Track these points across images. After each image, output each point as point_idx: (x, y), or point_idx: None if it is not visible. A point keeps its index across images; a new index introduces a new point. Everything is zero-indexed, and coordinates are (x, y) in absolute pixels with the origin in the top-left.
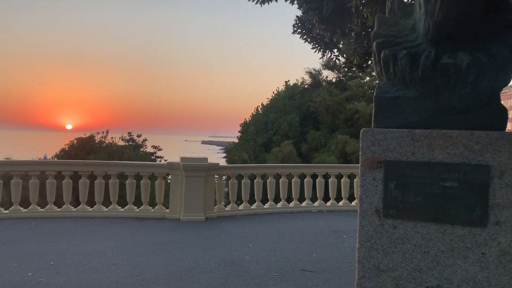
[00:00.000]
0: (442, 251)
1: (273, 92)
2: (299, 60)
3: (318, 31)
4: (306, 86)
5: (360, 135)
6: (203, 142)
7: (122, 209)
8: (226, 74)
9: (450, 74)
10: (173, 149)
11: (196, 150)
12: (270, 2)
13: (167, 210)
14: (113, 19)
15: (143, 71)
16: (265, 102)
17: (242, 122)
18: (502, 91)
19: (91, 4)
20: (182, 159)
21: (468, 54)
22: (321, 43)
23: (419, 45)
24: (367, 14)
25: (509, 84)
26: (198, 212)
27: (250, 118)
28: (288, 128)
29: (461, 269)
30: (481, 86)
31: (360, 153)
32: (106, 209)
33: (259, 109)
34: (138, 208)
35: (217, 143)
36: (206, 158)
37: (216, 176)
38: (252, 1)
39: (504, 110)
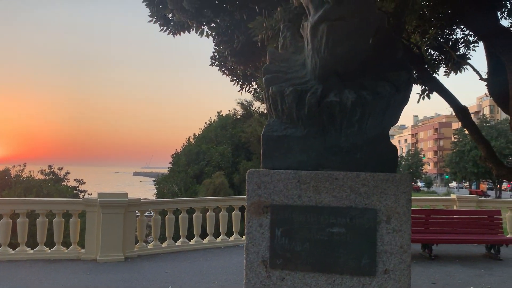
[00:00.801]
0: None
1: (206, 123)
2: (233, 91)
3: (231, 64)
4: (238, 117)
5: (246, 177)
6: (135, 174)
7: (32, 251)
8: (160, 103)
9: (335, 113)
10: (102, 182)
11: (127, 182)
12: (183, 33)
13: (83, 250)
14: (27, 33)
15: (71, 98)
16: (198, 132)
17: (174, 153)
18: (425, 121)
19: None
20: (99, 194)
21: (353, 92)
22: (240, 75)
23: (307, 81)
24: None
25: (429, 116)
26: (117, 252)
27: (181, 149)
28: (220, 158)
29: None
30: (367, 124)
31: (246, 197)
32: (13, 252)
33: (191, 140)
34: (50, 249)
35: (150, 174)
36: (126, 193)
37: (137, 212)
38: (165, 31)
39: (393, 149)
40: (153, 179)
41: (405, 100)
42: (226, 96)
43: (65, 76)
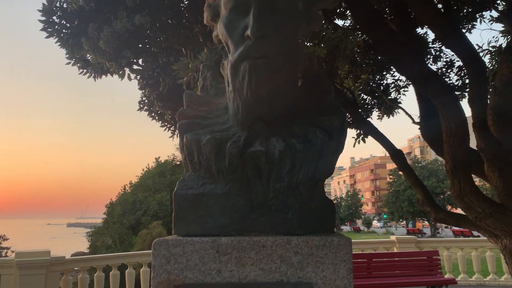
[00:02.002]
0: None
1: (143, 169)
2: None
3: (157, 109)
4: (177, 163)
5: (152, 250)
6: (69, 225)
7: None
8: (96, 150)
9: (261, 165)
10: (31, 236)
11: (60, 234)
12: (105, 76)
13: None
14: None
15: None
16: (134, 180)
17: (108, 202)
18: (361, 162)
19: None
20: (17, 254)
21: (281, 140)
22: (171, 121)
23: (229, 128)
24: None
25: (364, 157)
26: None
27: (117, 198)
28: (158, 207)
29: None
30: (299, 177)
31: (151, 275)
32: None
33: (127, 188)
34: None
35: (86, 225)
36: (48, 251)
37: (61, 272)
38: (84, 74)
39: (329, 204)
40: (88, 230)
41: (339, 147)
42: (165, 141)
43: None
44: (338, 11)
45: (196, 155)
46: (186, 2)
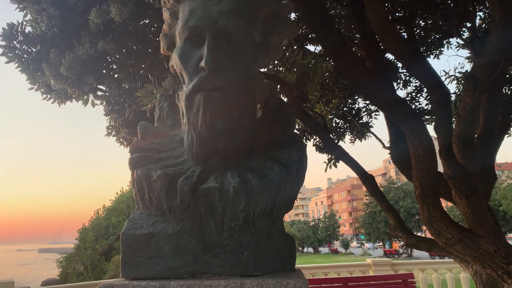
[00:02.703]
0: None
1: (117, 193)
2: None
3: (124, 135)
4: None
5: None
6: (41, 251)
7: None
8: (68, 173)
9: (215, 202)
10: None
11: (30, 260)
12: (69, 101)
13: None
14: None
15: None
16: (108, 204)
17: (80, 228)
18: (338, 183)
19: None
20: None
21: (236, 176)
22: None
23: (184, 162)
24: None
25: (341, 178)
26: None
27: (89, 223)
28: None
29: None
30: (255, 214)
31: None
32: None
33: (100, 212)
34: None
35: (59, 251)
36: (12, 282)
37: None
38: (48, 100)
39: (289, 242)
40: (62, 255)
41: (298, 181)
42: None
43: None
44: (309, 36)
45: (146, 191)
46: (152, 29)
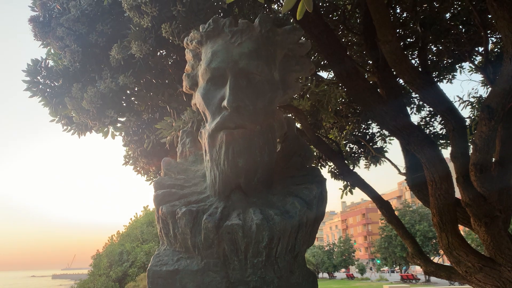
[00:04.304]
0: None
1: (131, 219)
2: None
3: (142, 165)
4: None
5: None
6: (55, 277)
7: None
8: (83, 199)
9: (238, 239)
10: None
11: (44, 287)
12: (89, 133)
13: None
14: None
15: None
16: (122, 230)
17: (94, 254)
18: (352, 207)
19: None
20: None
21: (258, 212)
22: (156, 175)
23: (206, 198)
24: None
25: (356, 202)
26: None
27: (103, 249)
28: (146, 258)
29: None
30: (277, 251)
31: None
32: None
33: (114, 239)
34: None
35: (72, 277)
36: None
37: None
38: (68, 131)
39: (311, 278)
40: (75, 281)
41: (319, 217)
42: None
43: None
44: (322, 63)
45: (171, 228)
46: (170, 61)
